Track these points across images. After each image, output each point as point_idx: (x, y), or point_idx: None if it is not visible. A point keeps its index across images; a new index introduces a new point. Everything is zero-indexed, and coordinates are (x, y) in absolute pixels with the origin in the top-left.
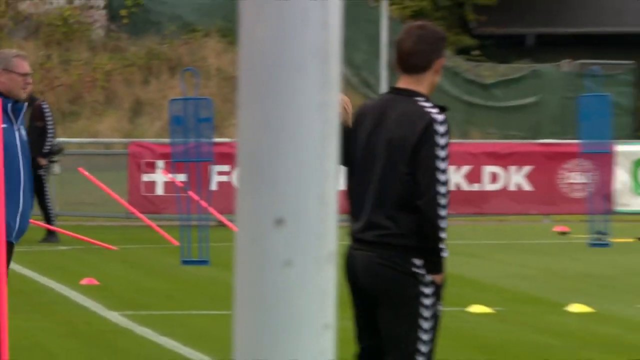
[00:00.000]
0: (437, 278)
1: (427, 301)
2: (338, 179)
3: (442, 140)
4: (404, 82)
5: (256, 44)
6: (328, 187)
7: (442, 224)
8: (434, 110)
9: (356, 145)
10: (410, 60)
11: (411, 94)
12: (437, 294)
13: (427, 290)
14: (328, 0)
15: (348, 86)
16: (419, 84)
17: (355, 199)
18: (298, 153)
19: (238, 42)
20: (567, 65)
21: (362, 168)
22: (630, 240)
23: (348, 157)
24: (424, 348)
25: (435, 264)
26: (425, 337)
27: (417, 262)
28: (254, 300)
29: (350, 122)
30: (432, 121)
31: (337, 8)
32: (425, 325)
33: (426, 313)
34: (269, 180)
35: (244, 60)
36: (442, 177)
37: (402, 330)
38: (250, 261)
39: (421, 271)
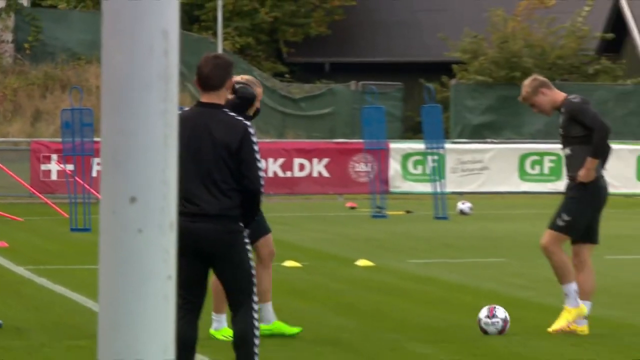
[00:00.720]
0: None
1: (249, 249)
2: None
3: (254, 140)
4: (206, 98)
5: (115, 67)
6: (169, 173)
7: (261, 199)
8: (245, 120)
9: (179, 145)
10: (209, 81)
11: (217, 106)
12: (249, 245)
13: (248, 244)
14: (169, 34)
15: (193, 100)
16: (219, 98)
17: (189, 186)
18: (147, 148)
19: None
20: (354, 85)
21: (193, 163)
22: (401, 212)
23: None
24: (254, 280)
25: (250, 220)
26: (253, 271)
27: (242, 225)
28: (114, 258)
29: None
30: (247, 127)
31: (176, 41)
32: (251, 264)
33: (249, 256)
34: (125, 168)
35: (106, 79)
36: (260, 166)
37: (242, 272)
38: (111, 229)
39: (244, 231)
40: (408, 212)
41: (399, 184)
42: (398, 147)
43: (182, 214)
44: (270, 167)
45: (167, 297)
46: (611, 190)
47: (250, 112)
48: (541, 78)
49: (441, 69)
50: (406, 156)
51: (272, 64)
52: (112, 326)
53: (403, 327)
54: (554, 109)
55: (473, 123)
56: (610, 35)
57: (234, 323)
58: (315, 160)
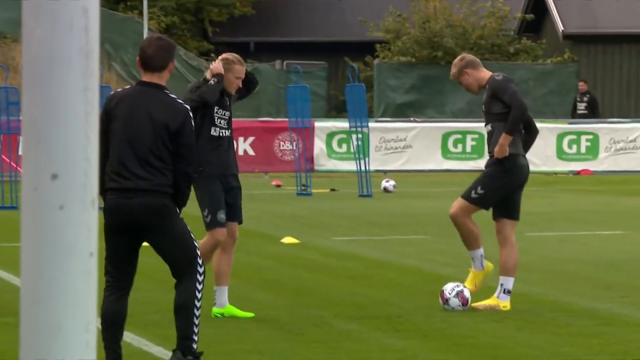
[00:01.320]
0: (182, 209)
1: (184, 222)
2: (97, 145)
3: (192, 124)
4: (148, 78)
5: (35, 43)
6: (90, 150)
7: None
8: (184, 104)
9: (116, 122)
10: (153, 62)
11: (159, 87)
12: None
13: (182, 218)
14: (89, 10)
15: (120, 79)
16: (160, 79)
17: (125, 163)
18: (68, 124)
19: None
20: (278, 64)
21: (130, 140)
22: (326, 190)
23: (107, 125)
24: (198, 251)
25: (184, 200)
26: (195, 243)
27: (172, 200)
28: (36, 235)
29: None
30: (187, 111)
31: (96, 17)
32: (192, 235)
33: (188, 228)
34: (46, 145)
35: (26, 55)
36: (194, 149)
37: (182, 244)
38: (33, 205)
39: (175, 206)
40: (333, 190)
41: (323, 162)
42: (323, 125)
43: (116, 190)
44: None
45: (90, 274)
46: (532, 168)
47: (232, 90)
48: (468, 58)
49: (365, 49)
50: (331, 135)
51: (198, 43)
52: (34, 302)
53: (328, 304)
54: (481, 88)
55: (396, 102)
56: (530, 16)
57: (177, 290)
58: (240, 139)
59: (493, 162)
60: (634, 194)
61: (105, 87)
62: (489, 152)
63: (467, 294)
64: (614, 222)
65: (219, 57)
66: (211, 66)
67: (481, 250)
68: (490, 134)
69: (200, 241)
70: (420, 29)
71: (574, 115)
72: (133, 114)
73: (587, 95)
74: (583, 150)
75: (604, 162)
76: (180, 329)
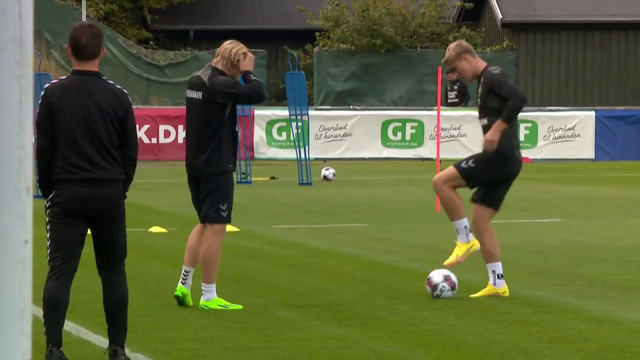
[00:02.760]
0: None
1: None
2: (31, 132)
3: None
4: (83, 66)
5: None
6: (25, 137)
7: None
8: (125, 90)
9: (63, 114)
10: (88, 51)
11: (97, 75)
12: None
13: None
14: None
15: (58, 66)
16: (96, 67)
17: (78, 152)
18: (2, 112)
19: None
20: None
21: (80, 130)
22: (266, 179)
23: (51, 118)
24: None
25: (128, 187)
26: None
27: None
28: None
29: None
30: (128, 97)
31: (30, 4)
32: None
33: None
34: None
35: None
36: (136, 134)
37: (123, 233)
38: None
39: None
40: (272, 178)
41: (263, 150)
42: (262, 113)
43: (74, 180)
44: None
45: (24, 262)
46: None
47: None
48: (466, 44)
49: (305, 37)
50: (270, 123)
51: (137, 31)
52: None
53: (268, 292)
54: (474, 77)
55: (336, 90)
56: (469, 5)
57: (111, 285)
58: (180, 127)
59: (494, 152)
60: (572, 182)
61: (43, 74)
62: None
63: (454, 278)
64: (552, 210)
65: (244, 52)
66: (245, 61)
67: (465, 221)
68: (485, 128)
69: (206, 244)
70: (359, 17)
71: (445, 104)
72: (80, 104)
73: (457, 84)
74: (522, 138)
75: (542, 150)
76: (122, 323)
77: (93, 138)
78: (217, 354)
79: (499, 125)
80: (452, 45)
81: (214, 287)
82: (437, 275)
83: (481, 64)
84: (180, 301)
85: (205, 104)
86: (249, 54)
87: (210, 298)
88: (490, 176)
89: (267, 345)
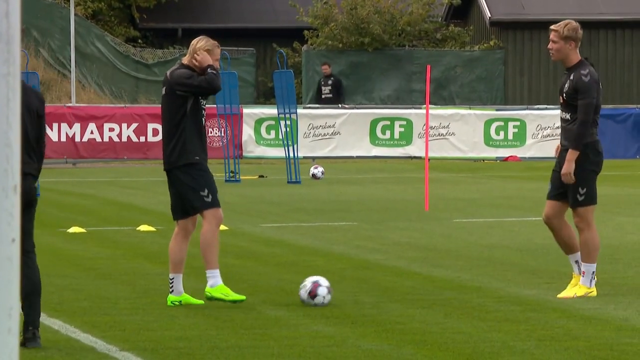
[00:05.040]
0: None
1: None
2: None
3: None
4: None
5: None
6: (12, 135)
7: None
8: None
9: None
10: None
11: None
12: None
13: None
14: None
15: (47, 64)
16: None
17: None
18: None
19: None
20: None
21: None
22: (254, 177)
23: None
24: None
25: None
26: None
27: None
28: None
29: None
30: (42, 96)
31: (17, 2)
32: None
33: None
34: None
35: None
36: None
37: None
38: None
39: None
40: (261, 176)
41: (252, 148)
42: (251, 112)
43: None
44: (124, 132)
45: (11, 260)
46: (459, 155)
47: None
48: (580, 33)
49: (293, 35)
50: (259, 121)
51: (125, 29)
52: None
53: (256, 290)
54: (563, 63)
55: None
56: (457, 2)
57: (31, 273)
58: None
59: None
60: None
61: (31, 73)
62: (563, 140)
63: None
64: (541, 209)
65: (200, 44)
66: (198, 58)
67: (595, 266)
68: (565, 121)
69: (202, 230)
70: (348, 15)
71: (319, 99)
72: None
73: (332, 79)
74: (510, 136)
75: (531, 149)
76: (38, 308)
77: (25, 135)
78: (206, 352)
79: (571, 155)
80: (571, 25)
81: (217, 272)
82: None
83: (576, 57)
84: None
85: (168, 98)
86: (202, 49)
87: (215, 284)
88: (594, 177)
89: (256, 343)
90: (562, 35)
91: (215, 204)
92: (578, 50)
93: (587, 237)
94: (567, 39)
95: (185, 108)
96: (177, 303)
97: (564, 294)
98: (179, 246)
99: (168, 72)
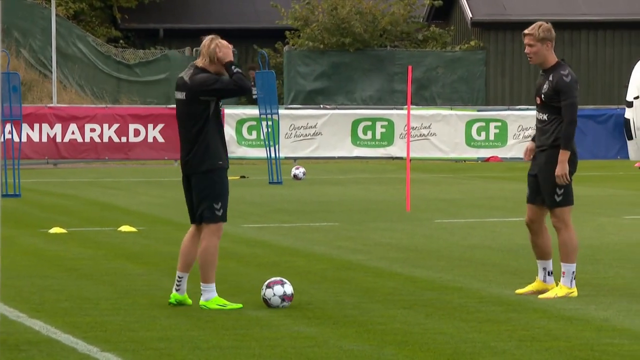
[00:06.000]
0: None
1: None
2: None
3: None
4: None
5: None
6: None
7: None
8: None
9: None
10: None
11: None
12: None
13: None
14: None
15: (28, 65)
16: None
17: None
18: None
19: None
20: (188, 51)
21: None
22: (236, 177)
23: None
24: None
25: None
26: None
27: None
28: None
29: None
30: None
31: None
32: None
33: None
34: None
35: None
36: None
37: None
38: None
39: None
40: (243, 177)
41: (233, 149)
42: (232, 112)
43: None
44: (105, 132)
45: None
46: (440, 155)
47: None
48: (554, 33)
49: (275, 36)
50: (241, 122)
51: (107, 30)
52: None
53: (238, 291)
54: (540, 65)
55: (306, 89)
56: (438, 2)
57: None
58: (150, 126)
59: (551, 155)
60: None
61: (12, 73)
62: (540, 141)
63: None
64: (522, 209)
65: (219, 44)
66: (220, 54)
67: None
68: (544, 122)
69: (203, 244)
70: (328, 15)
71: (252, 100)
72: None
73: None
74: (492, 137)
75: (512, 149)
76: None
77: None
78: (187, 353)
79: (563, 156)
80: (545, 26)
81: (213, 286)
82: (275, 299)
83: (553, 58)
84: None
85: (189, 104)
86: (223, 44)
87: (210, 298)
88: (571, 178)
89: (237, 344)
90: (539, 37)
91: (223, 218)
92: (553, 51)
93: (565, 237)
94: (544, 40)
95: (208, 112)
96: (178, 302)
97: (545, 295)
98: (193, 247)
99: (186, 77)
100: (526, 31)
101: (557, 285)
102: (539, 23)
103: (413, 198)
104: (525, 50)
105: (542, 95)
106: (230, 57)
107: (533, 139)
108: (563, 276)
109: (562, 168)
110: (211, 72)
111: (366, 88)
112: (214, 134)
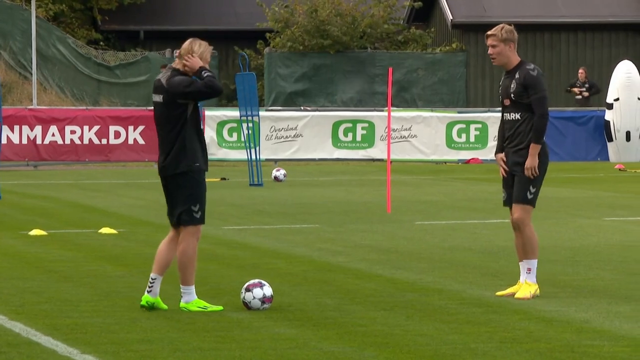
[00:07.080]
0: None
1: None
2: None
3: None
4: None
5: None
6: None
7: None
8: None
9: None
10: None
11: None
12: None
13: None
14: None
15: (8, 67)
16: None
17: None
18: None
19: None
20: (169, 52)
21: None
22: (217, 179)
23: None
24: None
25: None
26: None
27: None
28: None
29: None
30: None
31: None
32: None
33: None
34: None
35: None
36: None
37: None
38: None
39: None
40: (223, 179)
41: (214, 151)
42: (213, 114)
43: None
44: (86, 134)
45: None
46: (421, 157)
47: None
48: (516, 35)
49: (255, 37)
50: (221, 123)
51: (87, 32)
52: None
53: (218, 293)
54: (505, 67)
55: (287, 91)
56: (418, 4)
57: None
58: (130, 128)
59: (522, 155)
60: None
61: None
62: (513, 142)
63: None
64: (502, 211)
65: (195, 48)
66: (188, 63)
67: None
68: (517, 122)
69: (181, 246)
70: (308, 17)
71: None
72: None
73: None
74: (472, 139)
75: (493, 151)
76: None
77: None
78: (167, 355)
79: (533, 149)
80: (508, 27)
81: (192, 288)
82: (255, 302)
83: (516, 59)
84: (150, 309)
85: (167, 106)
86: (199, 46)
87: (190, 300)
88: (542, 180)
89: (218, 346)
90: (502, 38)
91: (201, 220)
92: (515, 51)
93: (528, 233)
94: (507, 41)
95: (185, 115)
96: (150, 304)
97: (520, 295)
98: (170, 251)
99: (163, 80)
100: (489, 32)
101: (525, 283)
102: (501, 25)
103: (394, 200)
104: (489, 51)
105: (512, 95)
106: (198, 64)
107: (501, 150)
108: (528, 272)
109: (532, 161)
110: (188, 75)
111: (347, 90)
112: (191, 137)
